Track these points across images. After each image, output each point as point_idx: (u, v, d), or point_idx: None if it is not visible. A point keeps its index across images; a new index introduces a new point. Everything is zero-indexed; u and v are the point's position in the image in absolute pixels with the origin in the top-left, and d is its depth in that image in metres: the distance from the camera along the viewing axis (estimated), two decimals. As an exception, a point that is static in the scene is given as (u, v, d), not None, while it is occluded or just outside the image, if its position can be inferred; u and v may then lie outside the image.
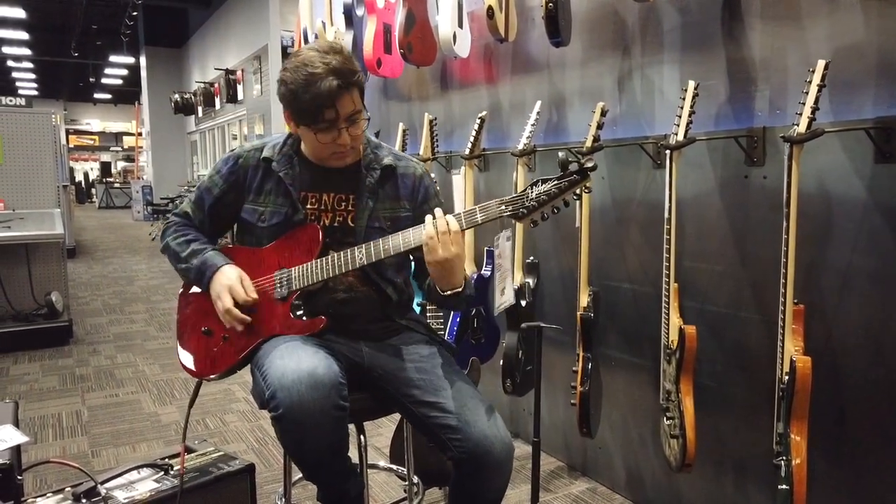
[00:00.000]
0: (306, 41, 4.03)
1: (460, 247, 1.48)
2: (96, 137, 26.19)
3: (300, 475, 1.59)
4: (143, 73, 16.20)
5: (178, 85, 14.93)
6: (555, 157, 1.78)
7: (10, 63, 19.69)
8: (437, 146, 2.98)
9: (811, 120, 1.55)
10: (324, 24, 3.73)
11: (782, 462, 1.62)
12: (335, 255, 1.59)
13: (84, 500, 1.69)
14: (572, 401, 2.30)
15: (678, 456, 1.93)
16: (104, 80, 21.24)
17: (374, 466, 2.39)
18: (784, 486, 1.60)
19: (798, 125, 1.57)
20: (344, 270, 1.58)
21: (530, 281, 2.57)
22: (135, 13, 12.22)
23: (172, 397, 3.62)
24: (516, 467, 2.59)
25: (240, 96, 10.46)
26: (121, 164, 24.04)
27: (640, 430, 2.37)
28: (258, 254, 1.68)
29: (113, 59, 18.04)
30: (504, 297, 2.51)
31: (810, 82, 1.56)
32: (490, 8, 2.58)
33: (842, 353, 1.72)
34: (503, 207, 1.45)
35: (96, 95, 24.19)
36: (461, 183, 2.76)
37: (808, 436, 1.61)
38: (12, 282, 4.66)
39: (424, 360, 1.65)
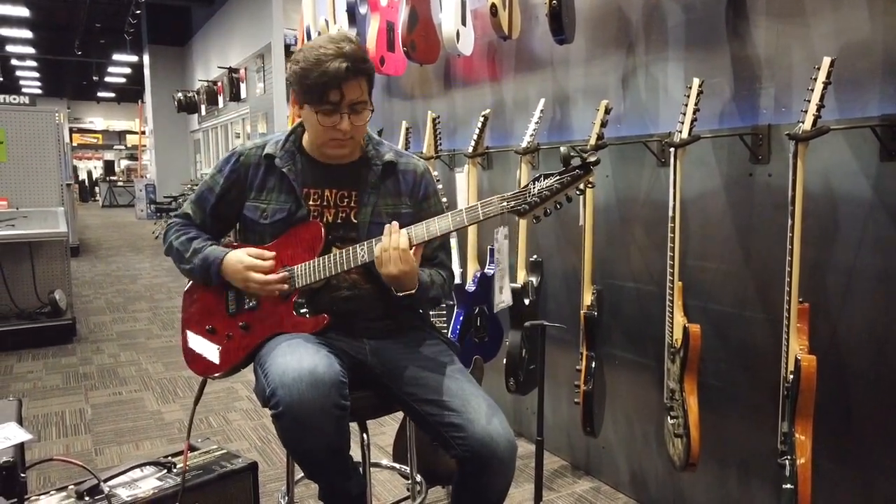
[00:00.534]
0: (309, 39, 4.02)
1: (409, 265, 1.50)
2: (100, 136, 26.23)
3: (303, 474, 1.59)
4: (147, 72, 16.23)
5: (181, 83, 14.95)
6: (558, 155, 1.77)
7: (14, 61, 19.74)
8: (441, 144, 2.97)
9: (817, 117, 1.54)
10: (327, 21, 3.73)
11: (787, 461, 1.61)
12: (338, 252, 1.58)
13: (87, 498, 1.69)
14: (576, 400, 2.30)
15: (682, 455, 1.93)
16: (108, 79, 21.29)
17: (377, 465, 2.39)
18: (789, 486, 1.60)
19: (803, 123, 1.56)
20: (346, 268, 1.58)
21: (534, 279, 2.56)
22: (138, 11, 12.25)
23: (175, 395, 3.63)
24: (520, 466, 2.59)
25: (243, 94, 10.47)
26: (124, 163, 24.06)
27: (643, 430, 2.37)
28: (261, 251, 1.68)
29: (116, 57, 18.09)
30: (502, 297, 2.51)
31: (816, 80, 1.55)
32: (493, 5, 2.57)
33: (847, 352, 1.71)
34: (505, 203, 1.45)
35: (100, 94, 24.23)
36: (464, 181, 2.76)
37: (813, 435, 1.61)
38: (16, 280, 4.67)
39: (428, 358, 1.64)
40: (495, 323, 2.66)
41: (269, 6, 8.65)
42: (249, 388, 3.63)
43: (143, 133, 19.22)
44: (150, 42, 15.61)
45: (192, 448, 2.01)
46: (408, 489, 2.15)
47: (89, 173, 24.07)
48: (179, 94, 12.93)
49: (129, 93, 22.70)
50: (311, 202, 1.67)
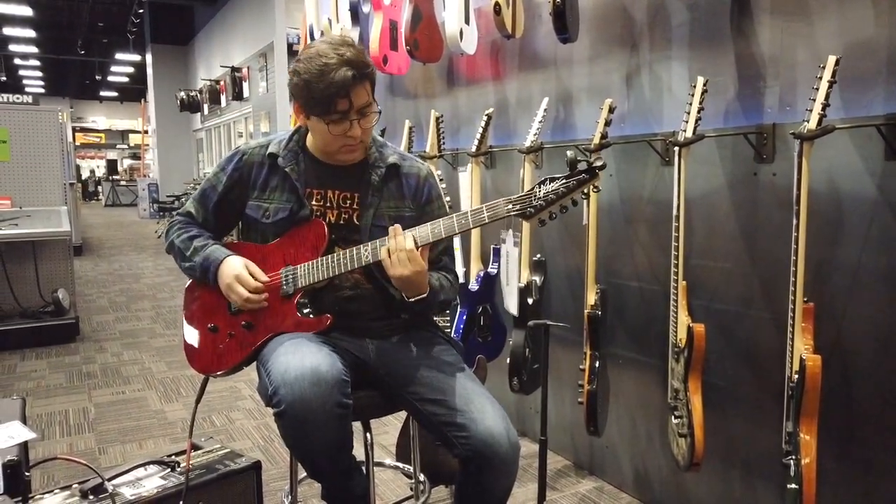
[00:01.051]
0: (312, 38, 4.02)
1: (418, 264, 1.49)
2: (102, 135, 26.27)
3: (306, 473, 1.59)
4: (149, 71, 16.25)
5: (183, 82, 14.97)
6: (562, 154, 1.77)
7: (17, 61, 19.78)
8: (444, 143, 2.97)
9: (822, 116, 1.54)
10: (330, 20, 3.73)
11: (791, 461, 1.61)
12: (341, 252, 1.58)
13: (91, 497, 1.69)
14: (579, 399, 2.29)
15: (686, 455, 1.92)
16: (110, 78, 21.33)
17: (380, 464, 2.39)
18: (793, 486, 1.59)
19: (808, 122, 1.55)
20: (350, 268, 1.58)
21: (537, 278, 2.56)
22: (141, 10, 12.26)
23: (178, 394, 3.63)
24: (523, 466, 2.58)
25: (245, 94, 10.48)
26: (127, 162, 24.09)
27: (647, 429, 2.36)
28: (263, 251, 1.68)
29: (119, 56, 18.12)
30: (508, 303, 2.51)
31: (821, 78, 1.54)
32: (497, 4, 2.56)
33: (852, 352, 1.71)
34: (510, 206, 1.44)
35: (102, 93, 24.27)
36: (468, 180, 2.76)
37: (818, 435, 1.60)
38: (19, 279, 4.68)
39: (431, 357, 1.64)
40: (499, 322, 2.66)
41: (272, 5, 8.66)
42: (252, 388, 3.63)
43: (146, 132, 19.24)
44: (153, 41, 15.63)
45: (195, 447, 2.01)
46: (411, 489, 2.15)
47: (92, 172, 24.10)
48: (182, 94, 12.96)
49: (132, 92, 22.73)
50: (313, 202, 1.67)
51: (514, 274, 2.54)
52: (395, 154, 1.73)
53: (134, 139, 24.97)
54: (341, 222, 1.67)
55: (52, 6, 14.32)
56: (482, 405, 1.50)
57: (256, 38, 9.71)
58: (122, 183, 20.86)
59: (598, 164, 1.42)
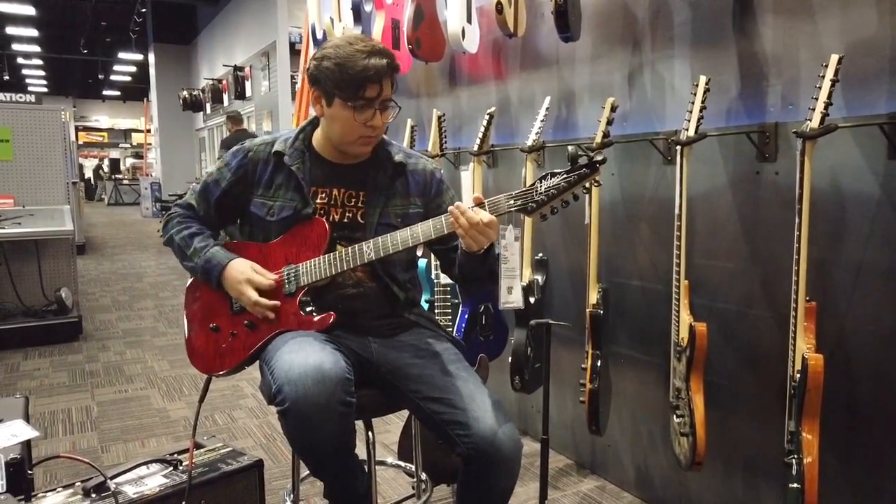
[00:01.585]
0: (314, 37, 4.03)
1: (496, 230, 1.49)
2: (105, 134, 26.31)
3: (308, 471, 1.59)
4: (152, 70, 16.27)
5: (186, 82, 14.99)
6: (564, 153, 1.77)
7: (19, 60, 19.81)
8: (446, 142, 2.97)
9: (824, 115, 1.54)
10: (332, 19, 3.73)
11: (793, 460, 1.60)
12: (343, 250, 1.58)
13: (94, 495, 1.69)
14: (581, 398, 2.29)
15: (688, 454, 1.92)
16: (113, 77, 21.36)
17: (382, 463, 2.39)
18: (795, 485, 1.59)
19: (811, 120, 1.55)
20: (352, 266, 1.58)
21: (539, 278, 2.56)
22: (143, 10, 12.27)
23: (181, 393, 3.64)
24: (525, 465, 2.58)
25: (248, 93, 10.49)
26: (129, 161, 24.13)
27: (649, 428, 2.36)
28: (264, 249, 1.68)
29: (122, 55, 18.14)
30: (512, 297, 2.50)
31: (823, 77, 1.54)
32: (499, 3, 2.56)
33: (854, 351, 1.71)
34: (512, 202, 1.45)
35: (105, 92, 24.30)
36: (469, 179, 2.76)
37: (820, 434, 1.60)
38: (22, 278, 4.69)
39: (433, 356, 1.64)
40: (500, 321, 2.66)
41: (274, 4, 8.67)
42: (255, 386, 3.64)
43: (149, 131, 19.27)
44: (156, 40, 15.65)
45: (197, 446, 2.01)
46: (413, 487, 2.15)
47: (94, 171, 24.13)
48: (184, 93, 12.97)
49: (135, 91, 22.76)
50: (318, 201, 1.67)
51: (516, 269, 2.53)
52: (401, 152, 1.73)
53: (136, 138, 25.01)
54: (345, 221, 1.67)
55: (54, 5, 14.34)
56: (484, 404, 1.50)
57: (259, 37, 9.72)
58: (125, 182, 20.90)
59: (599, 158, 1.43)
